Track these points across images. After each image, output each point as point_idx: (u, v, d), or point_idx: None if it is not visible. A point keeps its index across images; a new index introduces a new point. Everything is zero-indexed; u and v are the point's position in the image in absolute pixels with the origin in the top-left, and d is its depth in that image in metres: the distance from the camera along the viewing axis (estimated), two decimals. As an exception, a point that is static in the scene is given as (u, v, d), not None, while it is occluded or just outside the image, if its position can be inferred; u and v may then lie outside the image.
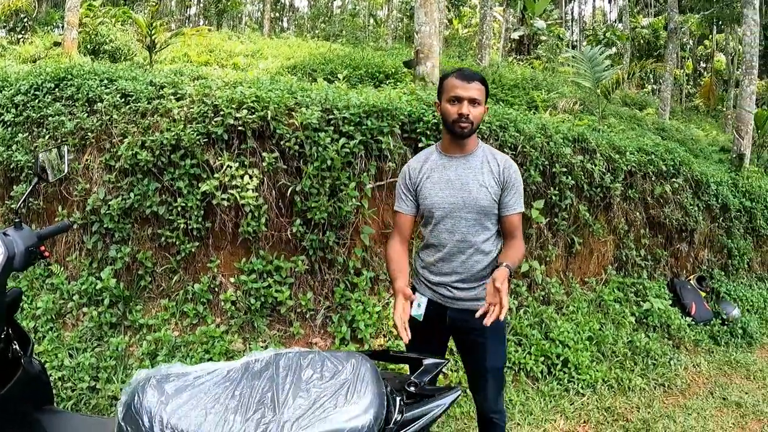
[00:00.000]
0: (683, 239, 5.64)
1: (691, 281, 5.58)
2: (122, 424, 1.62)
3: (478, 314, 1.92)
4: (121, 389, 2.92)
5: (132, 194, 3.33)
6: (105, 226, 3.35)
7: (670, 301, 5.11)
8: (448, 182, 2.24)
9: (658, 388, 4.13)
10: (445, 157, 2.29)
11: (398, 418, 1.72)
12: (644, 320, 4.71)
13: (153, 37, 6.30)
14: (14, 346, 1.91)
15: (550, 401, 3.64)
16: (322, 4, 22.79)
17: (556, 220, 4.44)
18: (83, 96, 3.60)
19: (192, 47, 11.76)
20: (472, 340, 2.32)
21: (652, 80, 19.39)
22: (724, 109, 17.63)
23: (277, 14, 30.63)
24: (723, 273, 6.15)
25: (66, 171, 2.22)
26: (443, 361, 2.02)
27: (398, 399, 1.78)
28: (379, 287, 3.72)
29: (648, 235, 5.24)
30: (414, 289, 2.32)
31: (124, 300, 3.34)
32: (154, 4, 17.98)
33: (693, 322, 5.07)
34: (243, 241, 3.43)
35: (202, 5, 26.72)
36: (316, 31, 24.78)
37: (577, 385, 3.83)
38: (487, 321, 1.88)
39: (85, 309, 3.33)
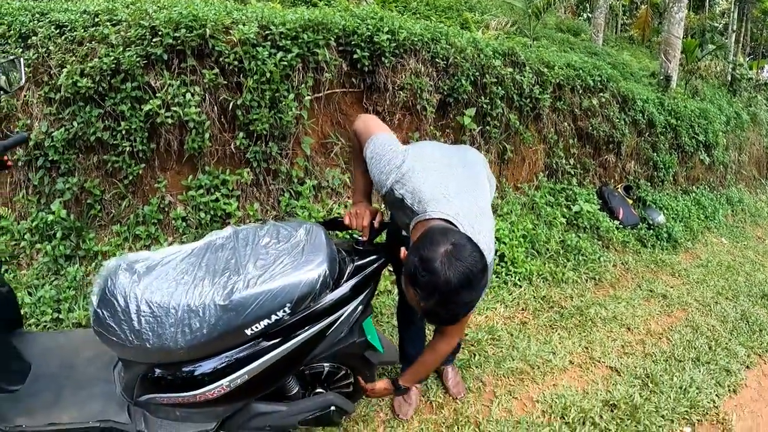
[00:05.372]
0: (611, 150, 6.23)
1: (619, 189, 6.21)
2: (98, 310, 1.81)
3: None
4: (84, 315, 3.13)
5: (75, 123, 3.43)
6: (50, 159, 3.45)
7: (599, 206, 5.70)
8: None
9: (589, 281, 4.70)
10: None
11: (349, 270, 2.09)
12: (575, 222, 5.28)
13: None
14: None
15: (490, 292, 4.11)
16: None
17: (488, 128, 4.87)
18: (15, 32, 3.59)
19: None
20: None
21: (588, 9, 20.06)
22: (659, 41, 18.47)
23: None
24: (649, 184, 6.84)
25: (23, 82, 2.29)
26: (386, 223, 2.40)
27: (347, 258, 2.12)
28: (322, 194, 4.05)
29: (577, 145, 5.78)
30: None
31: (76, 231, 3.49)
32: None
33: (621, 225, 5.70)
34: (188, 158, 3.66)
35: None
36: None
37: (515, 277, 4.34)
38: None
39: (38, 246, 3.45)
